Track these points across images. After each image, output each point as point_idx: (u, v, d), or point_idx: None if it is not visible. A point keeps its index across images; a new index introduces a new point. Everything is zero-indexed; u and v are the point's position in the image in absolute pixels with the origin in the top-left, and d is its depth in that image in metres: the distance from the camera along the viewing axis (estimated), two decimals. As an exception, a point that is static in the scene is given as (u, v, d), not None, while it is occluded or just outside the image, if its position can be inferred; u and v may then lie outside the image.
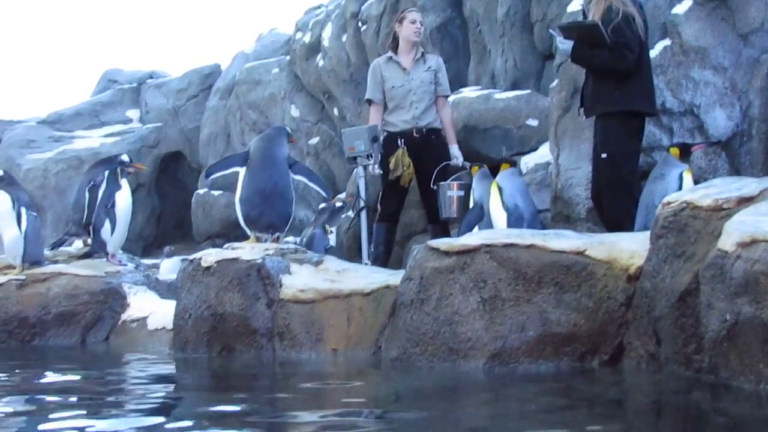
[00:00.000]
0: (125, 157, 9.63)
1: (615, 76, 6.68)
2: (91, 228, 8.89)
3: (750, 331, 3.72)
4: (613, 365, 4.81)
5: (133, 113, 19.49)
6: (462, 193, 7.90)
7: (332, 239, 10.41)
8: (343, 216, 10.68)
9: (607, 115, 6.71)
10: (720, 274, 3.89)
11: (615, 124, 6.68)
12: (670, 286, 4.39)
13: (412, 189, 8.52)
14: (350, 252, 9.92)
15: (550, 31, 7.43)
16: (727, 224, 4.02)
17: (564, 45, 6.87)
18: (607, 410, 3.92)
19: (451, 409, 4.12)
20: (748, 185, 4.45)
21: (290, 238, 10.94)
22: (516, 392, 4.44)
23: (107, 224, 8.76)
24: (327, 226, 10.35)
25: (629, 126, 6.69)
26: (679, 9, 7.45)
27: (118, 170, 9.08)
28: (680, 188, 6.13)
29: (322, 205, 10.92)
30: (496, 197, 7.24)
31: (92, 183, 9.25)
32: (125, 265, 8.81)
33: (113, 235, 8.81)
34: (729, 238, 3.90)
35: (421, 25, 8.57)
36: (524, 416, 3.72)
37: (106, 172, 9.10)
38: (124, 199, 8.93)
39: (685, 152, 6.61)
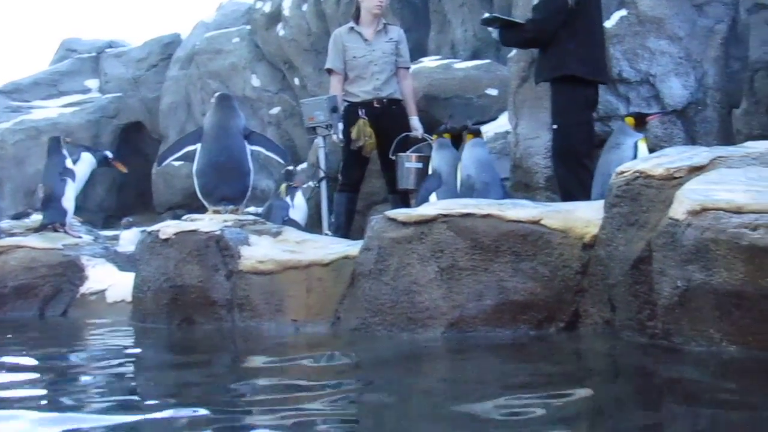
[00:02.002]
0: (109, 153, 9.68)
1: (538, 43, 7.01)
2: (45, 199, 8.76)
3: (701, 297, 3.80)
4: (570, 332, 4.88)
5: (92, 83, 19.27)
6: (420, 165, 7.93)
7: (301, 213, 10.39)
8: (304, 186, 10.69)
9: (557, 84, 6.87)
10: (671, 241, 3.95)
11: (563, 95, 6.83)
12: (623, 253, 4.45)
13: (373, 159, 8.54)
14: (311, 222, 9.94)
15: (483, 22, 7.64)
16: (678, 193, 4.09)
17: (494, 32, 7.24)
18: (564, 376, 3.97)
19: (409, 377, 4.16)
20: (699, 154, 4.52)
21: (252, 209, 10.93)
22: (474, 360, 4.50)
23: (68, 192, 8.69)
24: (283, 186, 10.37)
25: (578, 96, 6.80)
26: (636, -21, 7.51)
27: (62, 140, 9.06)
28: (635, 157, 6.18)
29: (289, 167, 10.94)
30: (459, 168, 7.32)
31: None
32: (81, 237, 8.75)
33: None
34: (680, 207, 3.96)
35: None
36: (482, 383, 3.77)
37: (50, 145, 9.03)
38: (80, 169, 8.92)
39: (640, 122, 6.70)
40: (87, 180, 9.56)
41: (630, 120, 6.70)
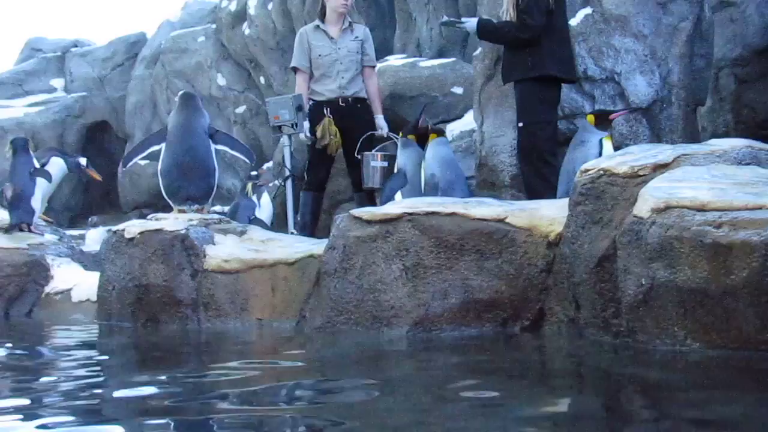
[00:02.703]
0: (83, 160, 9.62)
1: (521, 43, 6.82)
2: (13, 198, 8.67)
3: (665, 295, 3.80)
4: (535, 330, 4.89)
5: (58, 82, 19.20)
6: (386, 163, 7.92)
7: (267, 212, 10.36)
8: (270, 185, 10.67)
9: (522, 83, 6.85)
10: (636, 239, 3.96)
11: (529, 93, 6.82)
12: (588, 251, 4.46)
13: (339, 157, 8.52)
14: (277, 221, 9.92)
15: (444, 24, 7.59)
16: (642, 191, 4.10)
17: (469, 23, 7.09)
18: (528, 374, 3.97)
19: (374, 376, 4.14)
20: (663, 152, 4.54)
21: (218, 208, 10.91)
22: (439, 358, 4.48)
23: (37, 192, 8.64)
24: (249, 185, 10.34)
25: (544, 94, 6.81)
26: (601, -23, 7.52)
27: (29, 143, 9.02)
28: (600, 155, 6.21)
29: (254, 173, 10.91)
30: (423, 167, 7.33)
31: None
32: (42, 234, 8.68)
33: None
34: (644, 204, 3.98)
35: None
36: (447, 381, 3.75)
37: (18, 145, 8.97)
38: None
39: (602, 119, 6.70)
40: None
41: (590, 118, 6.71)
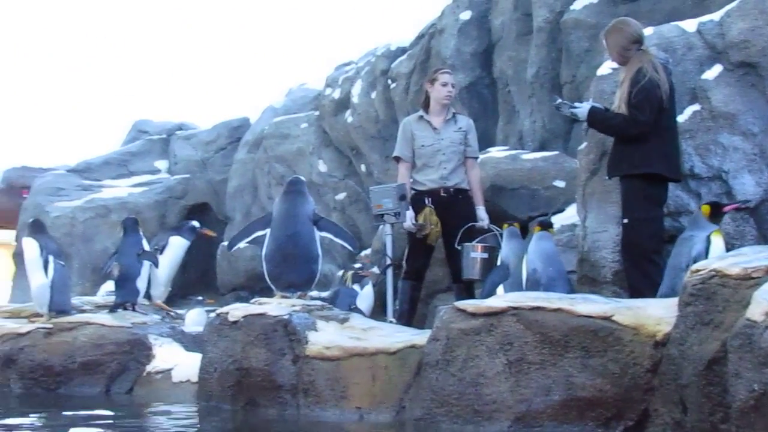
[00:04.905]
0: (196, 223, 9.90)
1: (629, 138, 6.81)
2: (119, 278, 8.88)
3: (778, 402, 3.72)
4: (638, 431, 4.80)
5: (162, 164, 19.54)
6: (486, 255, 7.89)
7: (368, 301, 10.39)
8: (370, 271, 10.68)
9: (629, 179, 6.80)
10: (748, 343, 3.89)
11: (635, 189, 6.75)
12: (697, 353, 4.39)
13: (437, 247, 8.52)
14: (375, 309, 9.92)
15: (557, 107, 7.47)
16: (756, 293, 4.03)
17: (580, 108, 7.04)
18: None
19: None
20: (777, 254, 4.47)
21: (314, 293, 10.94)
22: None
23: (143, 272, 8.84)
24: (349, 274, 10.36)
25: (649, 192, 6.74)
26: (709, 74, 7.45)
27: (138, 223, 9.26)
28: (707, 250, 6.13)
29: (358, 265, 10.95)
30: (524, 261, 7.29)
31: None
32: (145, 314, 8.84)
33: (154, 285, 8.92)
34: (758, 308, 3.90)
35: (453, 87, 8.58)
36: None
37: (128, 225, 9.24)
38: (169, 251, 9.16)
39: (716, 212, 6.59)
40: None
41: (705, 209, 6.60)
